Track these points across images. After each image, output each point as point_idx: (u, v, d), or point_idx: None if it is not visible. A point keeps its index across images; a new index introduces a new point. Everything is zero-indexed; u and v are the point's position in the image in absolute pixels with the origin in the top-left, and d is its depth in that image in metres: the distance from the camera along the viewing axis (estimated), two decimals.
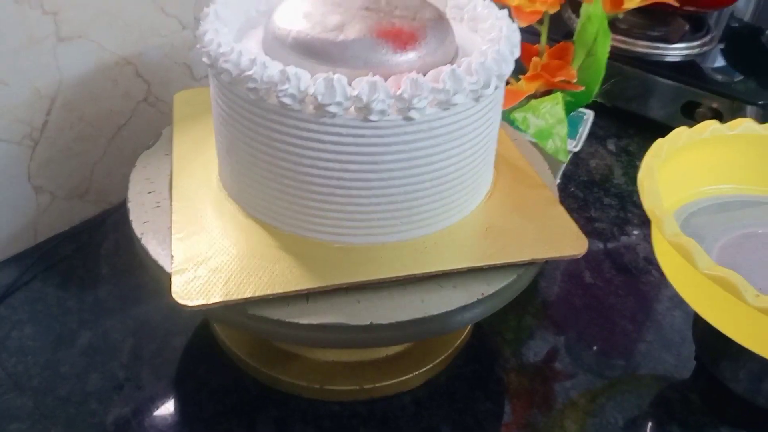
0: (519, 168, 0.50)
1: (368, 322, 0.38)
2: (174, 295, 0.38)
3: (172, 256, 0.40)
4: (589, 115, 0.68)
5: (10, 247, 0.58)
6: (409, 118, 0.38)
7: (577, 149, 0.65)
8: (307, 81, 0.37)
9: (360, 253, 0.41)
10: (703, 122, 0.51)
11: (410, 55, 0.40)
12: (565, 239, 0.44)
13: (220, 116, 0.43)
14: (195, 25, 0.64)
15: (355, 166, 0.39)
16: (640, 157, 0.49)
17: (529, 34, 0.60)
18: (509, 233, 0.44)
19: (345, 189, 0.40)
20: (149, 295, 0.56)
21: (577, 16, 0.62)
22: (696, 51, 0.83)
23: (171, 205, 0.44)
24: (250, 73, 0.38)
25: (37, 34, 0.53)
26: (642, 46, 0.82)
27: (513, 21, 0.45)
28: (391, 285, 0.40)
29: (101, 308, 0.55)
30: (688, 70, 0.81)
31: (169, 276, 0.39)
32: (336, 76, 0.36)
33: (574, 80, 0.59)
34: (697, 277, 0.42)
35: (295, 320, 0.38)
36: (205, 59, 0.41)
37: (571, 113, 0.66)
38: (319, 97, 0.36)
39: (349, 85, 0.37)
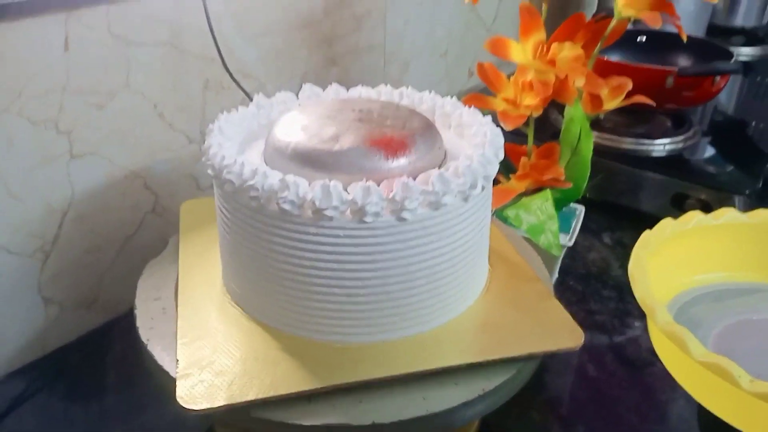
0: (513, 263, 0.52)
1: (371, 422, 0.39)
2: (179, 400, 0.38)
3: (177, 361, 0.41)
4: (581, 209, 0.71)
5: (19, 359, 0.59)
6: (402, 219, 0.40)
7: (571, 243, 0.66)
8: (305, 188, 0.39)
9: (360, 352, 0.42)
10: (688, 213, 0.53)
11: (401, 161, 0.42)
12: (561, 332, 0.45)
13: (224, 223, 0.45)
14: (201, 140, 0.68)
15: (352, 265, 0.41)
16: None
17: (516, 136, 0.63)
18: (506, 328, 0.45)
19: (344, 288, 0.41)
20: (154, 403, 0.56)
21: (563, 117, 0.66)
22: (680, 145, 0.86)
23: (176, 311, 0.46)
24: (252, 182, 0.40)
25: (52, 152, 0.56)
26: (627, 143, 0.85)
27: (497, 126, 0.48)
28: (393, 383, 0.41)
29: (107, 417, 0.55)
30: (674, 163, 0.84)
31: (174, 381, 0.40)
32: (332, 183, 0.39)
33: (562, 178, 0.61)
34: (695, 366, 0.43)
35: (298, 422, 0.39)
36: (209, 171, 0.43)
37: (563, 208, 0.68)
38: (317, 202, 0.39)
39: (345, 190, 0.39)
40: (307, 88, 0.53)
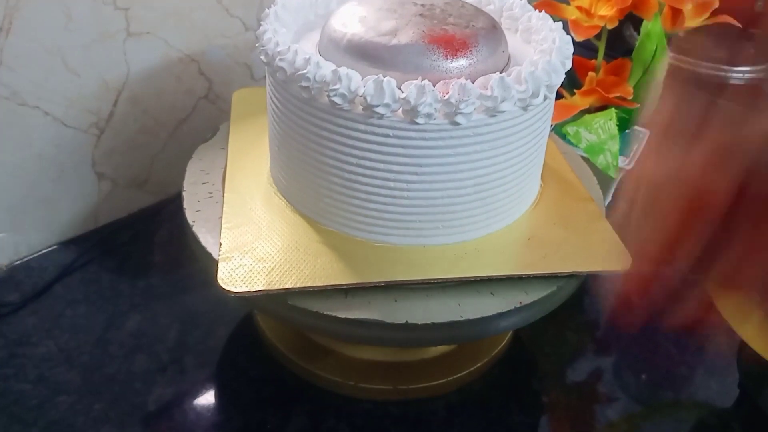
0: (567, 181, 0.50)
1: (404, 321, 0.39)
2: (220, 281, 0.39)
3: (221, 244, 0.41)
4: (645, 133, 0.67)
5: (72, 229, 0.61)
6: (455, 123, 0.38)
7: (629, 167, 0.64)
8: (358, 82, 0.38)
9: (400, 254, 0.42)
10: None
11: (461, 62, 0.40)
12: (608, 254, 0.44)
13: (274, 113, 0.44)
14: (257, 28, 0.66)
15: (399, 167, 0.40)
16: None
17: (586, 49, 0.60)
18: (551, 244, 0.44)
19: (388, 189, 0.40)
20: (198, 285, 0.58)
21: (638, 34, 0.62)
22: (762, 75, 0.81)
23: (223, 196, 0.46)
24: (304, 72, 0.39)
25: (109, 28, 0.56)
26: (704, 67, 0.80)
27: (567, 33, 0.45)
28: (429, 287, 0.41)
29: (151, 294, 0.57)
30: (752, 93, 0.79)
31: (216, 263, 0.40)
32: (386, 79, 0.37)
33: (630, 97, 0.58)
34: (743, 302, 0.41)
35: (333, 314, 0.39)
36: (262, 57, 0.42)
37: (626, 131, 0.65)
38: (368, 98, 0.37)
39: (399, 88, 0.38)
40: None
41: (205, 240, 0.43)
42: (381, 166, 0.40)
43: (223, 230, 0.43)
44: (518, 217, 0.46)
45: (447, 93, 0.38)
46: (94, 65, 0.56)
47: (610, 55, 0.62)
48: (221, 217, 0.44)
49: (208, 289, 0.56)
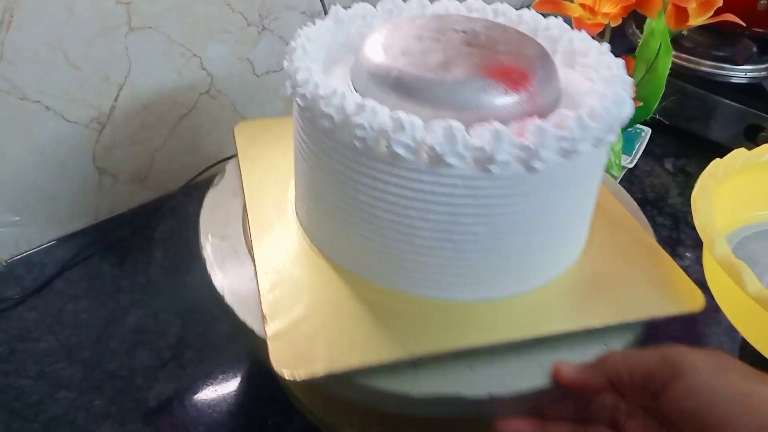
0: (609, 208, 0.47)
1: (486, 393, 0.35)
2: (275, 365, 0.34)
3: (265, 318, 0.37)
4: (647, 132, 0.68)
5: (72, 224, 0.61)
6: (531, 168, 0.34)
7: (631, 165, 0.64)
8: (422, 130, 0.33)
9: (465, 311, 0.38)
10: (763, 145, 0.50)
11: (521, 96, 0.36)
12: (678, 293, 0.40)
13: (310, 161, 0.39)
14: (259, 23, 0.66)
15: (468, 219, 0.35)
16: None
17: None
18: (619, 288, 0.40)
19: (454, 243, 0.36)
20: (198, 282, 0.57)
21: (641, 32, 0.62)
22: (763, 74, 0.80)
23: (250, 255, 0.42)
24: (358, 120, 0.34)
25: (111, 23, 0.55)
26: (707, 66, 0.80)
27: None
28: (504, 348, 0.36)
29: (152, 290, 0.57)
30: (753, 92, 0.79)
31: (263, 341, 0.36)
32: (455, 124, 0.33)
33: (633, 95, 0.58)
34: (746, 302, 0.41)
35: (407, 392, 0.34)
36: (299, 101, 0.37)
37: (628, 129, 0.65)
38: (438, 148, 0.33)
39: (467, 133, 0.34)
40: (388, 1, 0.45)
41: (243, 313, 0.38)
42: (447, 218, 0.35)
43: (264, 304, 0.37)
44: (577, 256, 0.42)
45: (521, 136, 0.34)
46: (95, 60, 0.56)
47: (612, 52, 0.62)
48: (253, 278, 0.39)
49: (209, 286, 0.57)
